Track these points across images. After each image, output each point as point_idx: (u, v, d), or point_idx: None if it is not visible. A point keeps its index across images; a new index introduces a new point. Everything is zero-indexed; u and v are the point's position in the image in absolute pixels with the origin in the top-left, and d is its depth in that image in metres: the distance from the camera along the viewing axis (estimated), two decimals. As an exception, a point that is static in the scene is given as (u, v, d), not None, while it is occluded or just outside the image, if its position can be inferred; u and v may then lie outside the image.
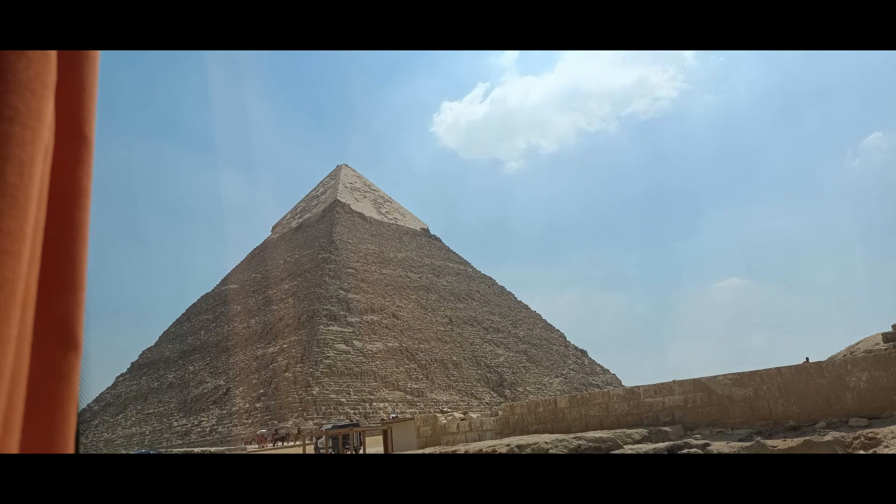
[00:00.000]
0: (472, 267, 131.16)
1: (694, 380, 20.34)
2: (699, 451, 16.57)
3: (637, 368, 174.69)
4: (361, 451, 41.09)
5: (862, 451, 14.20)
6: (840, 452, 14.39)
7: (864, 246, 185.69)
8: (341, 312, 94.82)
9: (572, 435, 19.84)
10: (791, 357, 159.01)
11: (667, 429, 19.48)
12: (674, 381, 20.83)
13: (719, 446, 16.56)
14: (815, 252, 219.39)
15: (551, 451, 18.52)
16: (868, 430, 14.88)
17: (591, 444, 18.67)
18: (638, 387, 21.76)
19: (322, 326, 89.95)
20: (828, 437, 15.14)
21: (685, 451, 16.78)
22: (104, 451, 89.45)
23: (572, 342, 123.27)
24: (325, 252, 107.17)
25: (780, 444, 15.31)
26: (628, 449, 18.08)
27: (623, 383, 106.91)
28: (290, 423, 75.25)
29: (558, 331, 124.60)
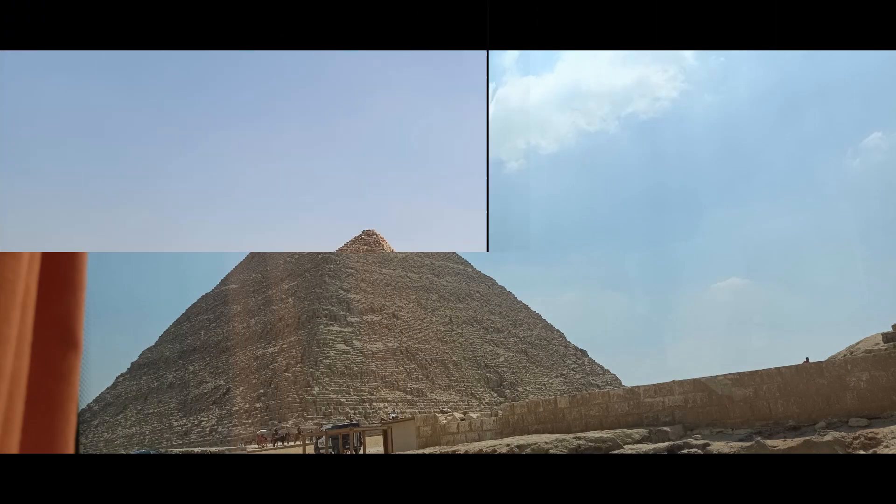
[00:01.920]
0: (472, 267, 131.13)
1: (694, 380, 20.33)
2: (699, 451, 16.57)
3: (637, 368, 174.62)
4: (361, 451, 41.09)
5: (862, 451, 14.20)
6: (840, 452, 14.39)
7: (864, 246, 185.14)
8: (341, 312, 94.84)
9: (572, 435, 19.84)
10: (791, 357, 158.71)
11: (667, 429, 19.47)
12: (674, 381, 20.83)
13: (719, 446, 16.56)
14: (815, 252, 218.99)
15: (551, 451, 18.52)
16: (868, 430, 14.88)
17: (591, 444, 18.67)
18: (638, 387, 21.75)
19: (322, 326, 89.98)
20: (828, 437, 15.14)
21: (685, 451, 16.78)
22: (104, 451, 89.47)
23: (572, 342, 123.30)
24: (324, 252, 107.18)
25: (780, 444, 15.31)
26: (628, 449, 18.08)
27: (623, 383, 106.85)
28: (290, 423, 75.24)
29: (558, 331, 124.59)
